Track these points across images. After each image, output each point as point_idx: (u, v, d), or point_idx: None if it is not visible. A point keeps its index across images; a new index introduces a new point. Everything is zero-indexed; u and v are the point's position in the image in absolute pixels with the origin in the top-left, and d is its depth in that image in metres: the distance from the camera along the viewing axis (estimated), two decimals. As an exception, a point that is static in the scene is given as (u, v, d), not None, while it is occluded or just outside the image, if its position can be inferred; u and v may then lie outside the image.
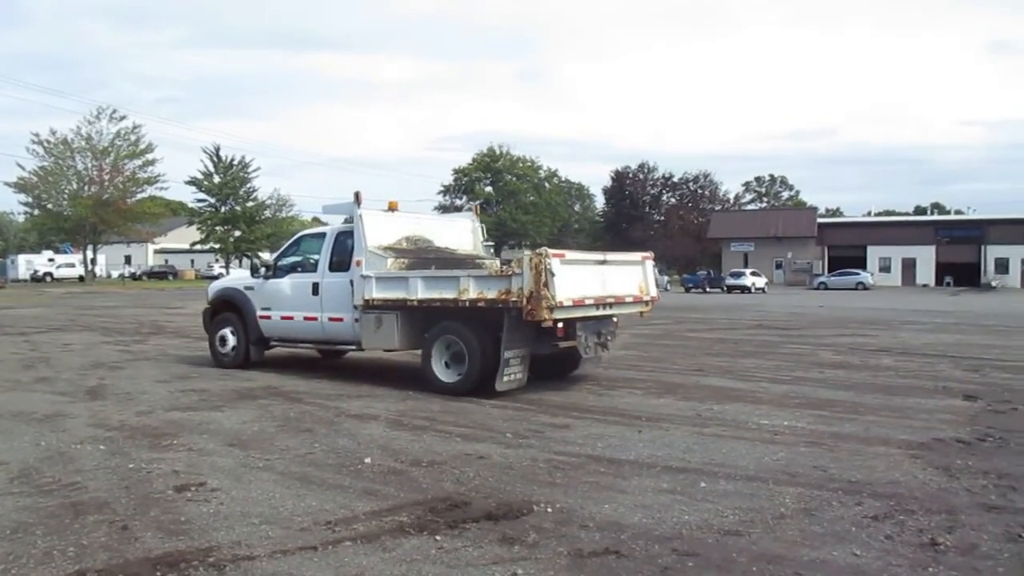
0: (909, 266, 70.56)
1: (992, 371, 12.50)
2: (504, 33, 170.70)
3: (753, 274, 57.21)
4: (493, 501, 5.52)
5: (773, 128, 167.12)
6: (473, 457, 6.79)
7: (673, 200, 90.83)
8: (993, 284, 64.44)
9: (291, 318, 11.67)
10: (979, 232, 69.84)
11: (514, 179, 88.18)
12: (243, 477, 6.18)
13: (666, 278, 60.52)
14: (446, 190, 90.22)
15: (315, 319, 11.37)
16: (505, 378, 9.38)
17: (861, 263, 68.86)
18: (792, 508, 5.41)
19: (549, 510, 5.34)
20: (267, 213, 73.79)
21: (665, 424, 8.16)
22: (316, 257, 11.60)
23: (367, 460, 6.65)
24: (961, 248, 69.19)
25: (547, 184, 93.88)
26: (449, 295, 9.69)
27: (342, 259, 11.12)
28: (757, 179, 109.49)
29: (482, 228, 12.88)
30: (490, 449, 7.09)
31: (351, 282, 10.72)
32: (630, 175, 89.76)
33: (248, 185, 72.84)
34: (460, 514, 5.23)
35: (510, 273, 9.21)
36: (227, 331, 12.41)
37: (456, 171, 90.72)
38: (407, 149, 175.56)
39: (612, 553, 4.55)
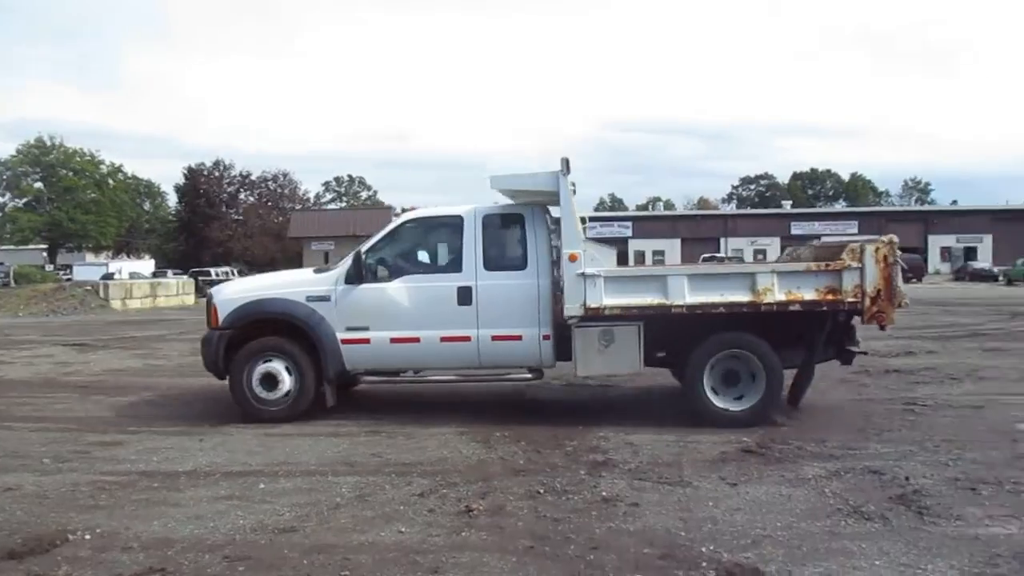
0: (474, 261, 77.28)
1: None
2: (55, 16, 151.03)
3: (334, 272, 58.37)
4: (19, 537, 4.88)
5: (351, 129, 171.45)
6: (-1, 491, 5.95)
7: (252, 199, 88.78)
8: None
9: (414, 340, 8.15)
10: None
11: (70, 174, 78.89)
12: None
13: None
14: (-18, 185, 77.60)
15: (467, 339, 8.11)
16: (804, 394, 8.00)
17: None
18: (347, 497, 5.62)
19: (88, 537, 4.88)
20: None
21: (229, 429, 7.94)
22: (449, 251, 8.54)
23: None
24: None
25: (111, 181, 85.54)
26: (740, 297, 7.59)
27: (510, 253, 8.32)
28: (336, 179, 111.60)
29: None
30: (22, 479, 6.26)
31: (557, 283, 7.86)
32: (205, 173, 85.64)
33: None
34: (-27, 559, 4.55)
35: (840, 267, 7.52)
36: (278, 366, 8.27)
37: (-5, 163, 78.48)
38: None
39: (157, 571, 4.31)
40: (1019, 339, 8.89)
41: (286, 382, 8.23)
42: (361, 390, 9.87)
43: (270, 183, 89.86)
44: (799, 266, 7.85)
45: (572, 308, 7.69)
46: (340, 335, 8.20)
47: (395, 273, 8.35)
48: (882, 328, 7.81)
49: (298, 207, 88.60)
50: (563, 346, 8.00)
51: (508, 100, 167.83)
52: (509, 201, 8.73)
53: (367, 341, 8.19)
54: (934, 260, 64.75)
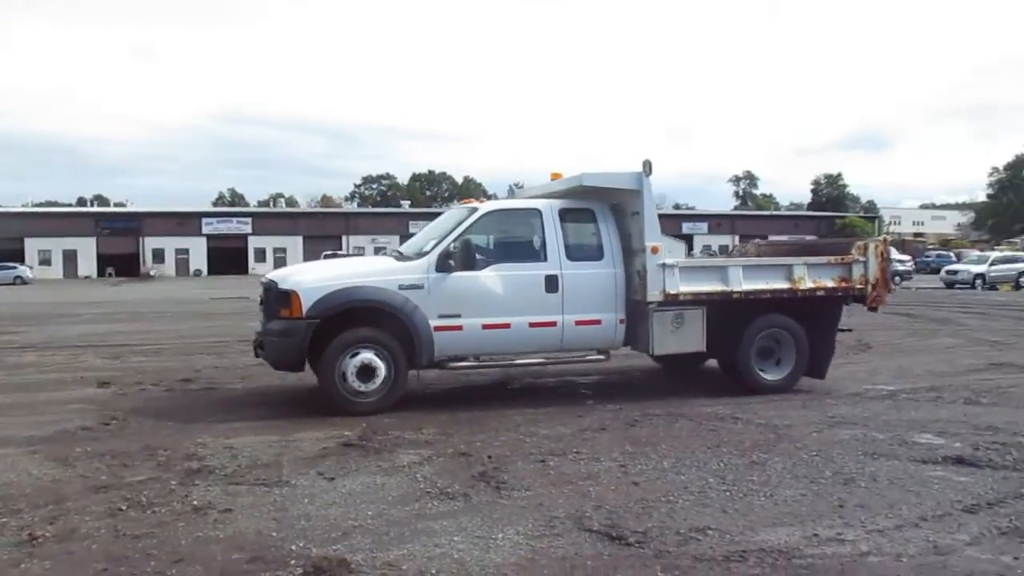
0: (71, 258, 69.38)
1: (131, 356, 13.15)
2: None
3: None
4: None
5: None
6: None
7: None
8: (152, 273, 68.11)
9: (505, 326, 8.47)
10: (138, 224, 73.03)
11: None
12: None
13: None
14: None
15: (552, 324, 8.60)
16: (827, 366, 9.40)
17: (20, 256, 64.93)
18: None
19: None
20: None
21: None
22: (531, 241, 8.90)
23: None
24: (121, 239, 71.29)
25: None
26: (781, 285, 8.99)
27: (587, 243, 8.95)
28: None
29: None
30: None
31: (638, 272, 8.71)
32: None
33: None
34: None
35: (851, 260, 9.15)
36: (371, 356, 8.07)
37: None
38: None
39: None
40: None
41: (381, 372, 8.12)
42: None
43: None
44: (822, 259, 9.29)
45: (653, 294, 8.61)
46: (433, 322, 8.27)
47: (483, 261, 8.57)
48: (874, 310, 9.49)
49: None
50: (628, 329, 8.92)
51: (97, 85, 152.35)
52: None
53: (460, 328, 8.39)
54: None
